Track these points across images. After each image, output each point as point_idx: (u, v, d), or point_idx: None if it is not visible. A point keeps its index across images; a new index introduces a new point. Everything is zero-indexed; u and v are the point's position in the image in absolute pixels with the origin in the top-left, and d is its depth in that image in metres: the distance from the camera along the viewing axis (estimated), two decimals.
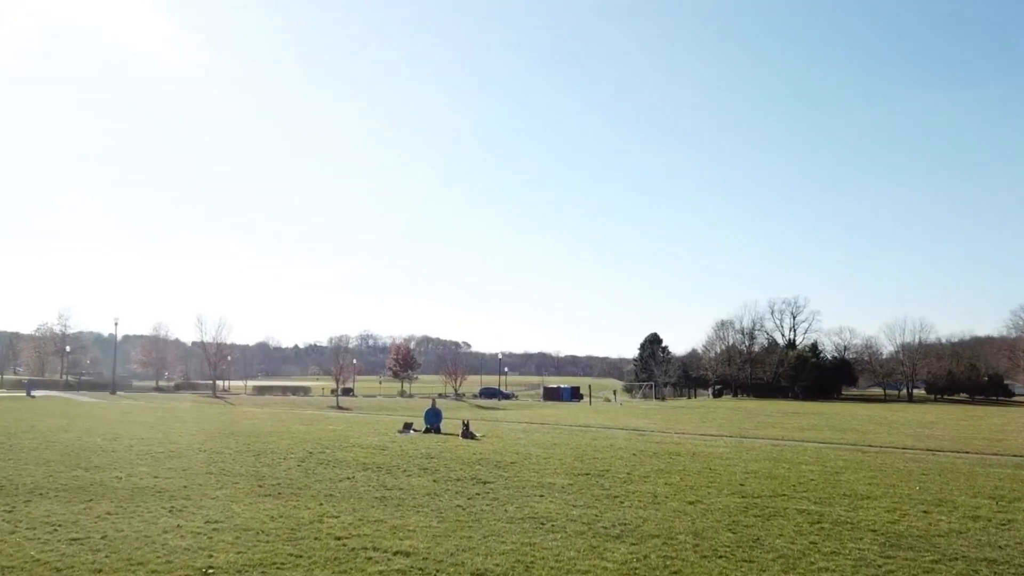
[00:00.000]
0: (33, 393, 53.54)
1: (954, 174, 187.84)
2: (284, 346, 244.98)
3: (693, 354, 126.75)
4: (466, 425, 21.26)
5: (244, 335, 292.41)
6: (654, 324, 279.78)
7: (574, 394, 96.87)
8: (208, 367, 76.40)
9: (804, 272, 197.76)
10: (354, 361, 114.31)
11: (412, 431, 22.36)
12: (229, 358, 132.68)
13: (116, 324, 64.29)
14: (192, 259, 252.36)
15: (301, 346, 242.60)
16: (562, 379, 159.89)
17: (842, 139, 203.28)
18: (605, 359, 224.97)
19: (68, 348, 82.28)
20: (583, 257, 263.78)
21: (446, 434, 22.14)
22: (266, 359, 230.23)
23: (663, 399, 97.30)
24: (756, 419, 49.06)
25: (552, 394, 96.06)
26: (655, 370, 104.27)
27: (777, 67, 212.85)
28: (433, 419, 22.87)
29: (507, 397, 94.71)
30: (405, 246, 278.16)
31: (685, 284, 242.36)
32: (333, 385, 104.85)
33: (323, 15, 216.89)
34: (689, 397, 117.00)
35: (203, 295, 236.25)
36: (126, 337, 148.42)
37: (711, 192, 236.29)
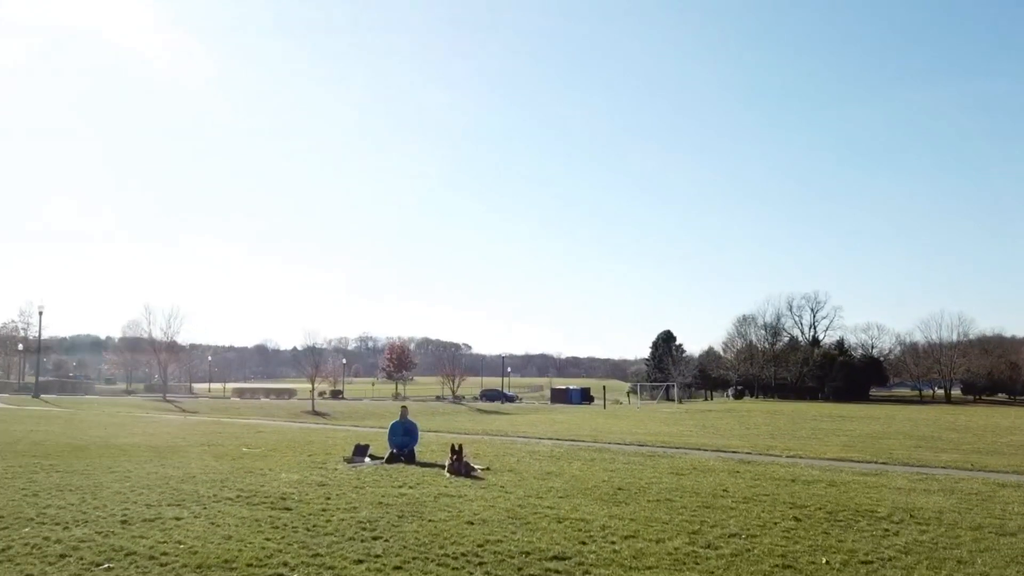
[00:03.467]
0: None
1: (975, 168, 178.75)
2: (283, 348, 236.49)
3: (710, 353, 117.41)
4: (457, 452, 12.24)
5: (242, 337, 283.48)
6: (658, 324, 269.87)
7: (584, 396, 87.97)
8: (157, 366, 67.21)
9: (821, 267, 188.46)
10: (343, 361, 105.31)
11: (368, 459, 13.45)
12: (211, 358, 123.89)
13: (40, 314, 54.09)
14: (191, 261, 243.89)
15: (300, 348, 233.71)
16: (564, 381, 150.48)
17: (858, 133, 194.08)
18: (607, 360, 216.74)
19: (20, 347, 73.31)
20: (584, 257, 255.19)
21: (424, 464, 13.21)
22: (264, 361, 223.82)
23: (680, 401, 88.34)
24: (810, 425, 40.31)
25: (560, 396, 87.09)
26: (672, 370, 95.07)
27: (790, 61, 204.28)
28: (402, 439, 13.85)
29: (510, 400, 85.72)
30: (406, 248, 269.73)
31: (691, 282, 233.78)
32: (321, 387, 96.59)
33: (322, 16, 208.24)
34: (706, 399, 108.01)
35: (202, 297, 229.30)
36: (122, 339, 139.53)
37: (713, 189, 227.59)
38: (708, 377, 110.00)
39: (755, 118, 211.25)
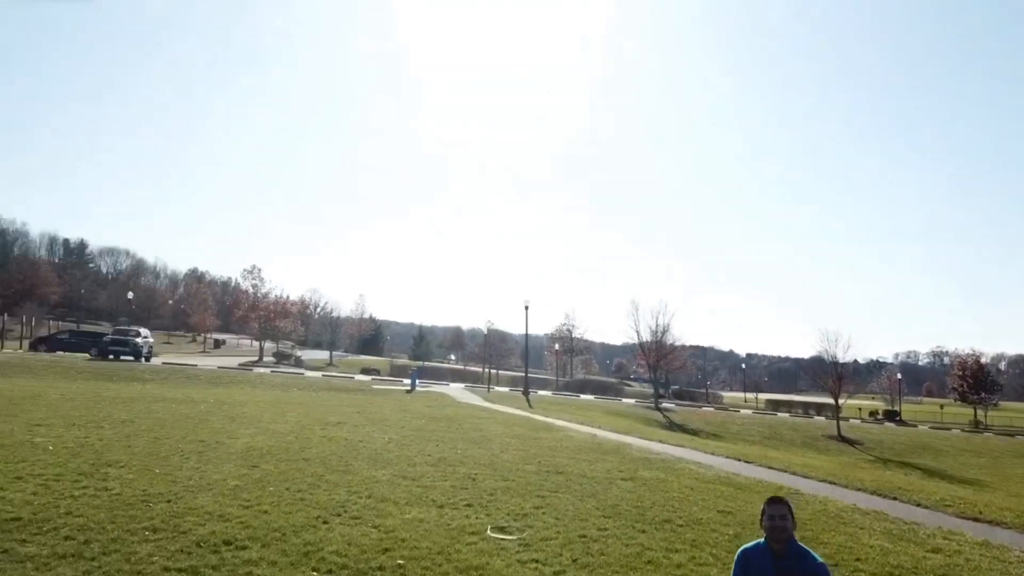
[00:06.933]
0: None
1: None
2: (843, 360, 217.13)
3: None
4: None
5: (800, 347, 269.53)
6: None
7: None
8: (648, 368, 60.63)
9: None
10: (899, 376, 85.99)
11: None
12: (744, 366, 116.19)
13: (526, 309, 51.50)
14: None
15: (852, 360, 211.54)
16: None
17: None
18: None
19: (556, 347, 77.49)
20: None
21: None
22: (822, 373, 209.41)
23: None
24: None
25: None
26: None
27: None
28: None
29: None
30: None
31: None
32: (875, 406, 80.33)
33: None
34: None
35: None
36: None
37: None
38: None
39: None
